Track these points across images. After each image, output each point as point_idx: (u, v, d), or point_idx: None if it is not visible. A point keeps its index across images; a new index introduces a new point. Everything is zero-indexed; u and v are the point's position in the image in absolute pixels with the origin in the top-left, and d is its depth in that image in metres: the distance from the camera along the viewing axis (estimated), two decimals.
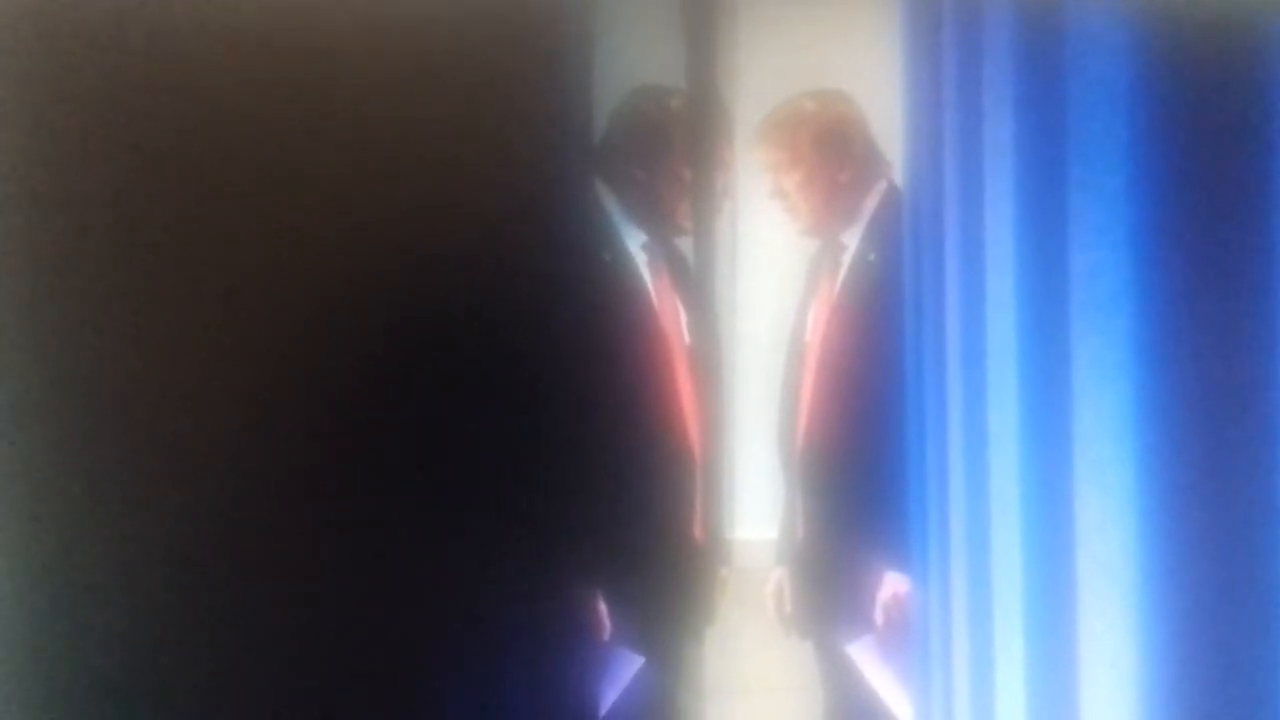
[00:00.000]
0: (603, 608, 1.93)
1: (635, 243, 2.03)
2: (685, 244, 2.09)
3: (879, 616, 1.99)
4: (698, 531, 2.03)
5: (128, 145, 1.43)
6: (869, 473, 1.94)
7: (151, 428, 1.46)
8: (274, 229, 1.48)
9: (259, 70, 1.46)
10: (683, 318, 2.05)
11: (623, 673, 1.94)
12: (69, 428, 1.44)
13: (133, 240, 1.44)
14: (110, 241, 1.44)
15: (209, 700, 1.47)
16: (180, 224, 1.46)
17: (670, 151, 2.02)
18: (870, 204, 2.06)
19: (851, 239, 2.07)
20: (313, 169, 1.49)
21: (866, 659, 2.01)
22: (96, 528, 1.44)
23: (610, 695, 1.92)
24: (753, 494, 2.28)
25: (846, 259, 2.07)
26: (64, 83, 1.42)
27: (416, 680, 1.55)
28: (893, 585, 1.98)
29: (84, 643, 1.44)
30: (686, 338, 2.05)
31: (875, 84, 1.94)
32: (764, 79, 2.14)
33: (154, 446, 1.46)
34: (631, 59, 1.96)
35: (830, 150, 2.05)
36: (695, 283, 2.08)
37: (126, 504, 1.44)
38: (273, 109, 1.47)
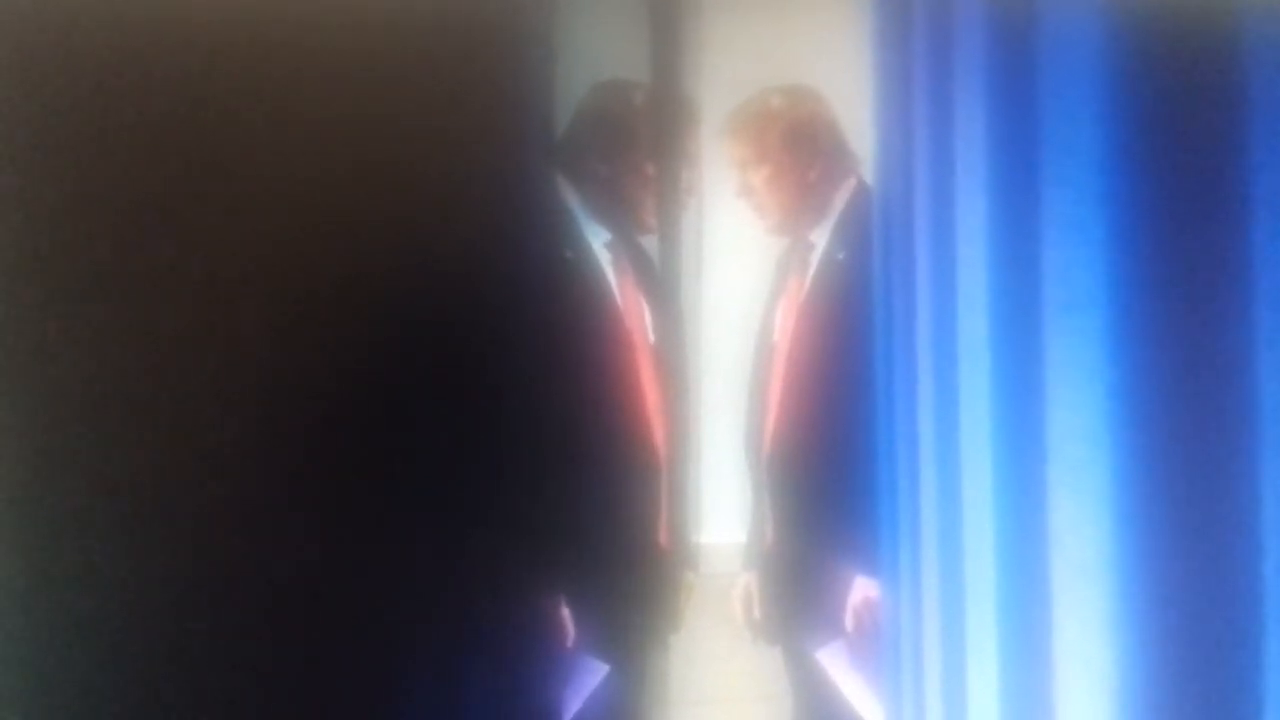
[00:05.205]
0: (566, 614, 1.90)
1: (599, 240, 2.00)
2: (650, 242, 2.06)
3: (849, 621, 1.97)
4: (663, 536, 2.01)
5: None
6: (838, 475, 1.92)
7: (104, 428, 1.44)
8: (224, 229, 1.46)
9: (213, 70, 1.44)
10: (647, 317, 2.03)
11: (587, 681, 1.92)
12: (57, 428, 1.42)
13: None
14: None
15: (164, 698, 1.44)
16: (129, 223, 1.43)
17: (634, 147, 1.99)
18: (839, 201, 2.04)
19: (820, 237, 2.05)
20: (268, 168, 1.46)
21: (836, 665, 1.99)
22: (77, 528, 1.42)
23: (574, 704, 1.90)
24: (720, 498, 2.27)
25: (815, 257, 2.05)
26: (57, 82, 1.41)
27: (377, 687, 1.52)
28: (863, 589, 1.96)
29: (60, 642, 1.42)
30: (651, 337, 2.02)
31: (844, 79, 1.91)
32: (730, 73, 2.12)
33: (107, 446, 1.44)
34: (595, 52, 1.94)
35: (798, 147, 2.02)
36: (660, 281, 2.05)
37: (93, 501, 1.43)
38: (227, 109, 1.44)
